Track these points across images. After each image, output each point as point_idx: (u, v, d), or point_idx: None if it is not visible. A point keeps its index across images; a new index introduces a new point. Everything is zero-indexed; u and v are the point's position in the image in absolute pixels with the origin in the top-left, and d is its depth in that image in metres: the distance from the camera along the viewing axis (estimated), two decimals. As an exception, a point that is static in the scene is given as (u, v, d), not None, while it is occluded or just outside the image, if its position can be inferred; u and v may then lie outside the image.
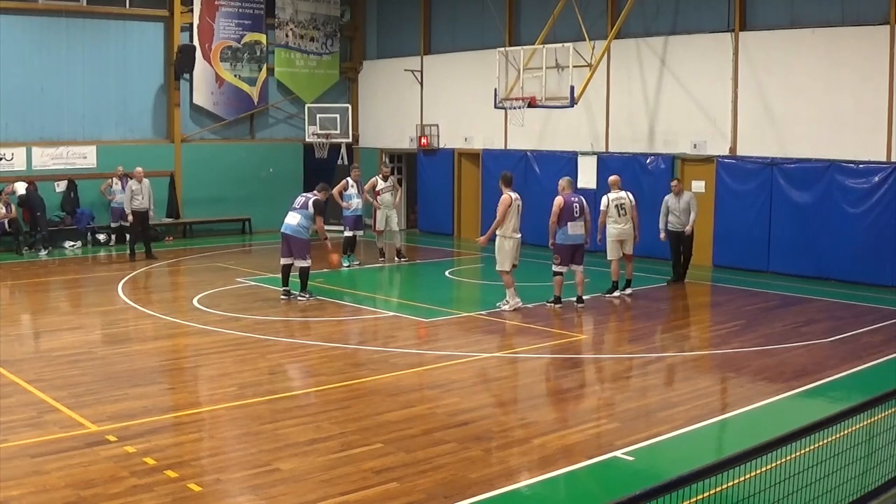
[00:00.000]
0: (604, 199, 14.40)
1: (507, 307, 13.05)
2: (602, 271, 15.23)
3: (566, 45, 16.83)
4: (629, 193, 14.51)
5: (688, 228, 15.14)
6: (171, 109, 22.18)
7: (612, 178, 14.78)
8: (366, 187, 17.63)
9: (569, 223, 13.08)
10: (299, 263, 13.87)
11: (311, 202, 13.82)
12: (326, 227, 14.54)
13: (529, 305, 13.40)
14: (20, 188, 19.43)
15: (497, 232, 13.05)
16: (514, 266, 13.12)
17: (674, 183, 15.43)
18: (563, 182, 13.47)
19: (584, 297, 13.50)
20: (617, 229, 14.25)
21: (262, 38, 23.32)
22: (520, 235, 13.10)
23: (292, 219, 13.89)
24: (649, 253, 16.87)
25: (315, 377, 9.85)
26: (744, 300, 14.22)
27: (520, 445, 7.55)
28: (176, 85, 22.05)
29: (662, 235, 15.33)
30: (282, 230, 14.04)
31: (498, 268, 13.21)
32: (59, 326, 12.38)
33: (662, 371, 10.16)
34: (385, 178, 17.86)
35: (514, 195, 13.03)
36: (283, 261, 14.04)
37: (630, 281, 14.49)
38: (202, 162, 22.50)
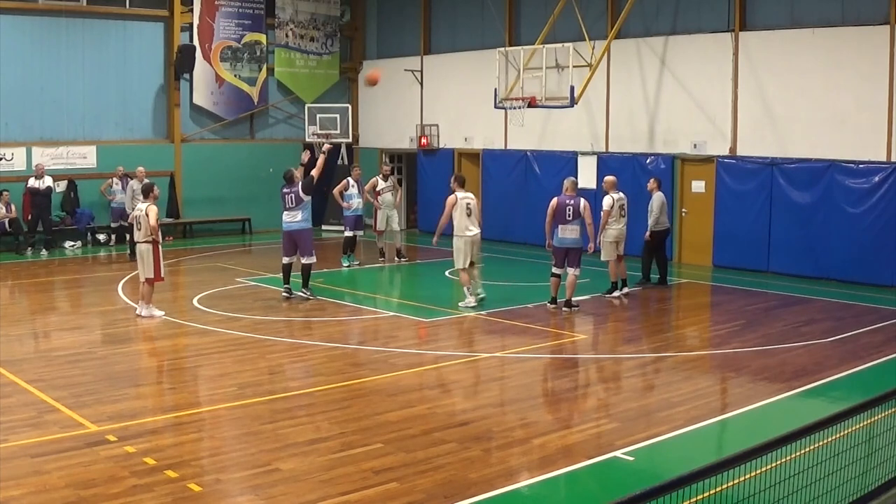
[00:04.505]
0: (608, 200, 14.27)
1: (461, 304, 13.21)
2: (602, 272, 15.22)
3: (566, 45, 16.83)
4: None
5: (646, 234, 15.04)
6: (171, 109, 22.18)
7: (611, 178, 14.70)
8: (366, 187, 17.63)
9: (559, 226, 13.06)
10: (305, 260, 13.83)
11: (299, 193, 13.75)
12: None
13: (529, 305, 13.43)
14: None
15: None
16: (474, 264, 13.30)
17: (649, 181, 15.45)
18: (566, 182, 13.43)
19: (578, 300, 13.30)
20: (616, 230, 14.24)
21: (262, 38, 23.32)
22: (472, 233, 13.19)
23: (292, 217, 13.81)
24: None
25: (315, 377, 9.85)
26: (744, 300, 14.22)
27: (520, 445, 7.55)
28: (176, 85, 22.05)
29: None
30: (285, 230, 13.95)
31: (455, 265, 13.54)
32: (59, 326, 12.39)
33: (662, 371, 10.16)
34: (385, 178, 17.87)
35: (461, 195, 13.27)
36: (285, 259, 14.03)
37: (625, 281, 14.48)
38: (202, 162, 22.50)
